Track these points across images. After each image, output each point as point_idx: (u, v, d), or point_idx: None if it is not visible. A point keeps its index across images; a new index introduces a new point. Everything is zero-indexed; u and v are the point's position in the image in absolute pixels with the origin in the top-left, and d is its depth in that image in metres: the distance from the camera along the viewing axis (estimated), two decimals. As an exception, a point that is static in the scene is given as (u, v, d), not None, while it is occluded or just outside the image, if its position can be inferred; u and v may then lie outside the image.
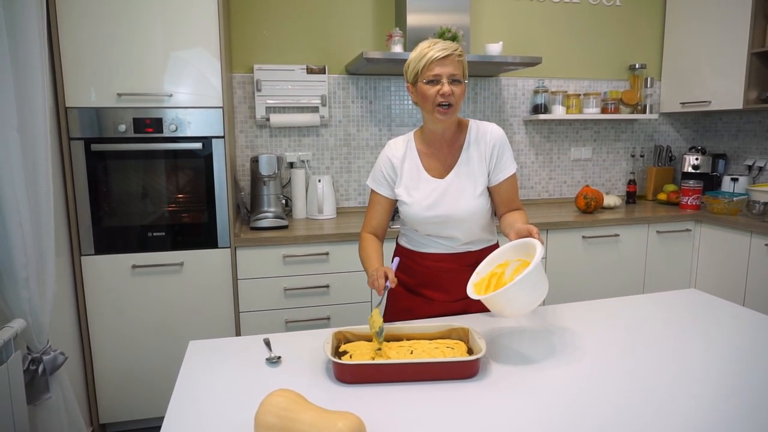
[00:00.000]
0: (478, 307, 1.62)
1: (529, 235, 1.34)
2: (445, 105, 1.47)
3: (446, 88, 1.45)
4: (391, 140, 1.65)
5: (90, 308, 2.30)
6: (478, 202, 1.56)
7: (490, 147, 1.57)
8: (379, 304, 1.35)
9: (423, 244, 1.64)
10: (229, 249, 2.40)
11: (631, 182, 3.41)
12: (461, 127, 1.61)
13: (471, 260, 1.58)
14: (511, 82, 3.29)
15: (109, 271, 2.29)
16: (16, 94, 1.55)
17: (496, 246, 1.64)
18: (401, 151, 1.61)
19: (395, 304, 1.70)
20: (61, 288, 2.14)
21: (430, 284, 1.65)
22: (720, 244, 2.88)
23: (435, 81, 1.46)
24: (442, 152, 1.59)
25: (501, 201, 1.60)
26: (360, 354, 1.23)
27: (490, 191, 1.60)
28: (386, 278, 1.38)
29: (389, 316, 1.71)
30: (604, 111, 3.31)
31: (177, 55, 2.23)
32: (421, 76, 1.47)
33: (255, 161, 2.65)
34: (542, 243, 1.30)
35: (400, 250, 1.71)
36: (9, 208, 1.52)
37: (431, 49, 1.45)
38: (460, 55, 1.46)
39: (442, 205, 1.55)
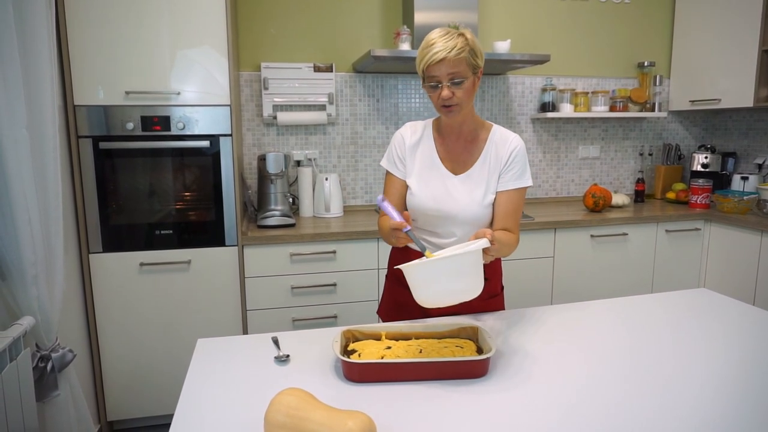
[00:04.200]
0: (483, 308, 1.62)
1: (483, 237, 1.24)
2: (449, 105, 1.44)
3: (445, 92, 1.40)
4: (409, 122, 1.62)
5: (98, 306, 2.30)
6: (486, 210, 1.51)
7: (508, 152, 1.51)
8: (419, 245, 1.26)
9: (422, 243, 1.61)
10: (236, 247, 2.40)
11: (640, 181, 3.39)
12: (483, 126, 1.56)
13: None
14: (518, 80, 3.27)
15: (117, 269, 2.30)
16: (25, 93, 1.56)
17: None
18: (417, 134, 1.58)
19: (389, 298, 1.71)
20: (70, 286, 2.14)
21: None
22: (730, 243, 2.86)
23: (435, 84, 1.42)
24: (459, 146, 1.55)
25: (497, 214, 1.52)
26: (369, 353, 1.23)
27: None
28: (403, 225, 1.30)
29: (386, 314, 1.71)
30: (612, 109, 3.29)
31: (184, 53, 2.23)
32: (425, 78, 1.44)
33: (262, 159, 2.65)
34: (493, 244, 1.22)
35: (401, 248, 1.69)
36: (18, 206, 1.53)
37: (429, 50, 1.38)
38: (459, 53, 1.37)
39: (448, 202, 1.52)
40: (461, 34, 1.40)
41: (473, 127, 1.54)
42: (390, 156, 1.61)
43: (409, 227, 1.29)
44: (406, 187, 1.58)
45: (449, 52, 1.36)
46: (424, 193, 1.53)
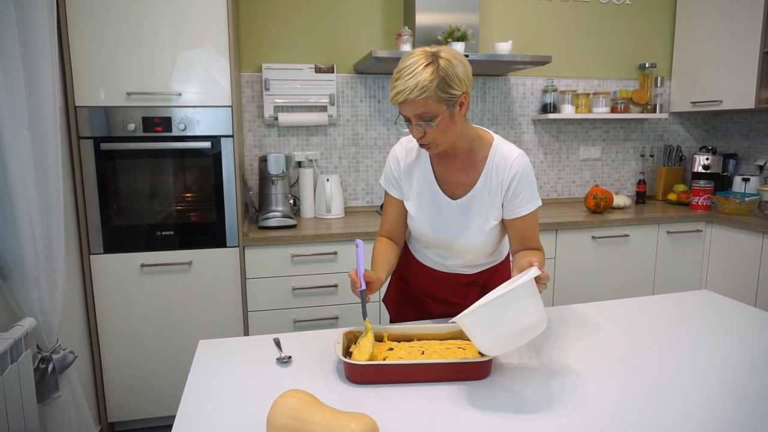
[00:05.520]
0: None
1: (530, 266, 1.17)
2: (424, 143, 1.32)
3: (414, 132, 1.29)
4: (404, 138, 1.50)
5: (99, 307, 2.30)
6: (486, 237, 1.44)
7: (509, 178, 1.38)
8: (363, 311, 1.31)
9: (422, 255, 1.60)
10: (237, 248, 2.40)
11: (641, 182, 3.38)
12: (482, 142, 1.41)
13: (466, 280, 1.57)
14: (520, 81, 3.27)
15: (118, 271, 2.30)
16: (26, 93, 1.56)
17: (492, 268, 1.59)
18: (413, 154, 1.47)
19: (395, 290, 1.73)
20: (70, 287, 2.14)
21: (421, 287, 1.64)
22: (731, 244, 2.85)
23: (408, 120, 1.29)
24: (456, 167, 1.43)
25: (514, 237, 1.45)
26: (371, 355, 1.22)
27: (505, 224, 1.46)
28: (358, 283, 1.31)
29: (392, 304, 1.73)
30: (613, 110, 3.29)
31: (186, 54, 2.23)
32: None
33: (263, 160, 2.65)
34: (542, 271, 1.16)
35: (404, 250, 1.68)
36: (20, 207, 1.53)
37: (393, 87, 1.23)
38: (422, 93, 1.20)
39: (445, 231, 1.45)
40: (434, 61, 1.21)
41: (469, 146, 1.40)
42: (387, 176, 1.53)
43: (363, 287, 1.29)
44: (405, 207, 1.52)
45: (410, 93, 1.20)
46: (422, 220, 1.47)
